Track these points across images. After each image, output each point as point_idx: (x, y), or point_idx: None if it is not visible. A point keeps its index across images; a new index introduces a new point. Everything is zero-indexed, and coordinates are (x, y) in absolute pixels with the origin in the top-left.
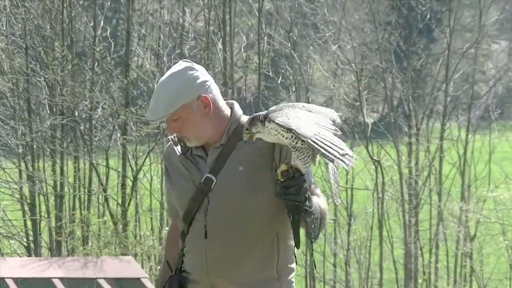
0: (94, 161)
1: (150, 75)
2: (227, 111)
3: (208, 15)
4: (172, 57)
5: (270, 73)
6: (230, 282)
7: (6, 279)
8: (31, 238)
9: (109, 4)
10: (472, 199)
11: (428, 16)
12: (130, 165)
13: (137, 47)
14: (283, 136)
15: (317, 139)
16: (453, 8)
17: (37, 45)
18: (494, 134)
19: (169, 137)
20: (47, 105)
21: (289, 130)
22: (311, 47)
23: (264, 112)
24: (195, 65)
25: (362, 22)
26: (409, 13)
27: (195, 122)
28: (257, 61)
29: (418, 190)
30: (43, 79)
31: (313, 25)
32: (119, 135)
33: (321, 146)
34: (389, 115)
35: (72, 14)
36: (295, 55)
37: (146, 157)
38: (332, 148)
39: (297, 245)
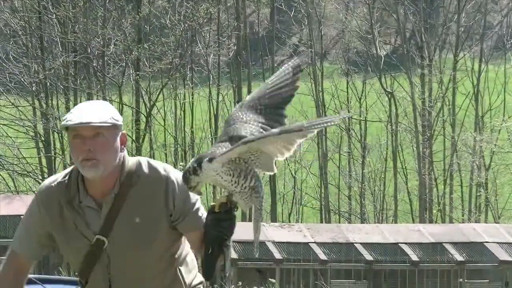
0: (107, 98)
1: (162, 10)
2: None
3: None
4: None
5: (283, 6)
6: None
7: (22, 216)
8: (46, 175)
9: None
10: (486, 129)
11: None
12: (144, 101)
13: None
14: (222, 178)
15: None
16: None
17: None
18: (509, 63)
19: (48, 185)
20: (59, 43)
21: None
22: None
23: (191, 162)
24: None
25: None
26: None
27: (112, 148)
28: None
29: (431, 121)
30: (54, 16)
31: None
32: (132, 71)
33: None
34: (401, 47)
35: None
36: None
37: (159, 92)
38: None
39: (209, 277)
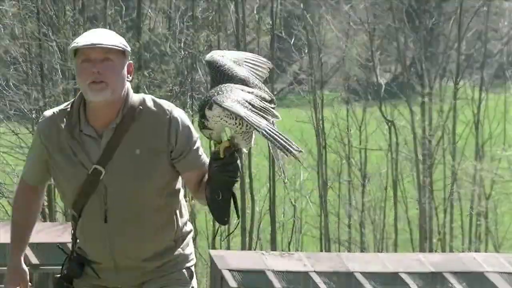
0: None
1: (162, 38)
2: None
3: None
4: (184, 20)
5: (283, 34)
6: (133, 259)
7: None
8: (45, 203)
9: None
10: (486, 158)
11: None
12: None
13: (149, 10)
14: (226, 122)
15: (269, 130)
16: None
17: (49, 9)
18: (509, 92)
19: (49, 112)
20: (59, 70)
21: (240, 117)
22: (323, 7)
23: (199, 116)
24: None
25: None
26: None
27: (120, 74)
28: (270, 22)
29: (431, 150)
30: (55, 43)
31: None
32: None
33: (274, 139)
34: (402, 75)
35: None
36: (307, 15)
37: None
38: (284, 141)
39: (225, 222)
